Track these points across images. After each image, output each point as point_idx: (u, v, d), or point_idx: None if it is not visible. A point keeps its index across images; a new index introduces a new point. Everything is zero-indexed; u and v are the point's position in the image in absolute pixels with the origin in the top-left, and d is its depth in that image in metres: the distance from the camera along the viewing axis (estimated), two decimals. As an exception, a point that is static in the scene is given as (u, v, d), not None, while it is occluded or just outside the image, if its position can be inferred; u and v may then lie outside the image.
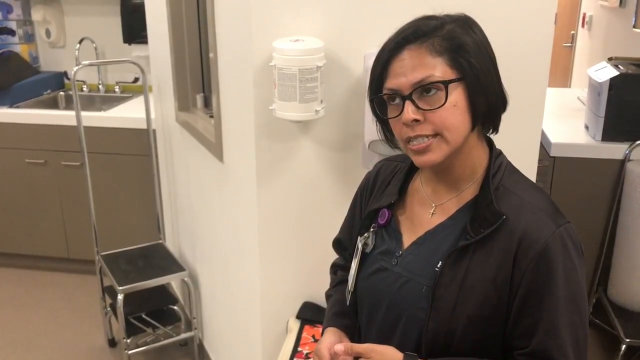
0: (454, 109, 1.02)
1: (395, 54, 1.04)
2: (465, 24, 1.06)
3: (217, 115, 2.10)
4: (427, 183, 1.17)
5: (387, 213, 1.19)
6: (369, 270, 1.19)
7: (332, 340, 1.21)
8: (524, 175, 1.14)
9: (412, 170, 1.22)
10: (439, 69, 1.02)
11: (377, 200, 1.24)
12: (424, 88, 1.01)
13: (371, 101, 1.11)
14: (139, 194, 3.29)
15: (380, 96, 1.08)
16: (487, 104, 1.06)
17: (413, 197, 1.19)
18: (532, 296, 1.02)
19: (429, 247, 1.11)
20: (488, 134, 1.14)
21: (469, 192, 1.11)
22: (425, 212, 1.15)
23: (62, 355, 2.89)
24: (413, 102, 1.02)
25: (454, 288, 1.05)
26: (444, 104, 1.01)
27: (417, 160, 1.07)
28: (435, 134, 1.03)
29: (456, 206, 1.12)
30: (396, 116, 1.05)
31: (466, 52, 1.03)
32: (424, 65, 1.02)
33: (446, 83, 1.01)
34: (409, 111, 1.02)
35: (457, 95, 1.03)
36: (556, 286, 1.01)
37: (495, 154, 1.12)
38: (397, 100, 1.05)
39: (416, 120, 1.03)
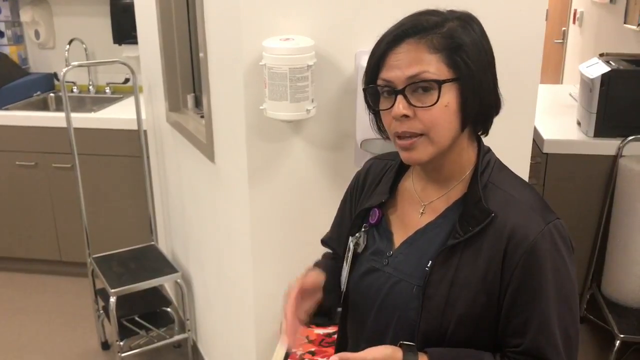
0: (445, 109, 1.02)
1: (393, 47, 1.03)
2: (467, 22, 1.05)
3: (207, 115, 2.08)
4: (417, 182, 1.17)
5: (377, 212, 1.19)
6: (360, 271, 1.18)
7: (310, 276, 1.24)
8: (512, 172, 1.14)
9: (402, 168, 1.22)
10: (434, 66, 1.01)
11: (367, 199, 1.23)
12: (418, 85, 1.01)
13: (364, 90, 1.10)
14: (131, 195, 3.27)
15: (374, 87, 1.07)
16: (480, 105, 1.05)
17: (403, 196, 1.19)
18: (522, 294, 1.01)
19: (419, 247, 1.11)
20: (478, 135, 1.13)
21: (458, 190, 1.11)
22: (415, 211, 1.15)
23: (55, 359, 2.87)
24: (405, 97, 1.02)
25: (444, 287, 1.04)
26: (435, 103, 1.01)
27: (404, 156, 1.07)
28: (422, 134, 1.03)
29: (445, 204, 1.11)
30: (387, 109, 1.05)
31: (464, 52, 1.02)
32: (420, 61, 1.01)
33: (440, 83, 1.00)
34: (400, 106, 1.02)
35: (449, 96, 1.02)
36: (546, 283, 1.01)
37: (483, 151, 1.11)
38: (390, 94, 1.04)
39: (406, 116, 1.02)
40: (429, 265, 1.07)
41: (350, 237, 1.21)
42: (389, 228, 1.17)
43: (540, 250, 1.00)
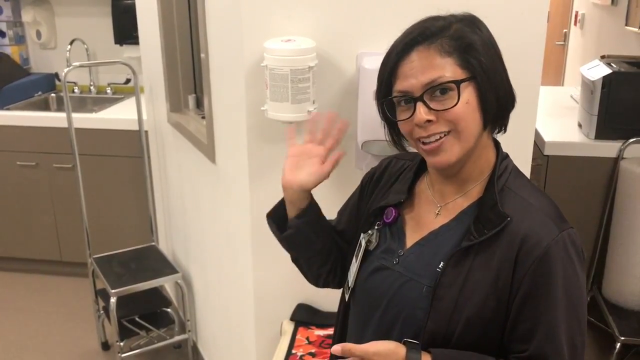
0: (466, 106, 1.02)
1: (404, 56, 1.04)
2: (472, 22, 1.06)
3: (209, 116, 2.08)
4: (433, 183, 1.16)
5: (393, 212, 1.18)
6: (370, 269, 1.18)
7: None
8: (529, 179, 1.14)
9: (420, 169, 1.21)
10: (449, 69, 1.01)
11: (383, 198, 1.23)
12: (436, 89, 1.01)
13: (381, 104, 1.10)
14: (132, 196, 3.27)
15: (391, 99, 1.07)
16: (498, 102, 1.05)
17: (419, 197, 1.19)
18: (531, 300, 1.01)
19: (432, 248, 1.11)
20: (495, 134, 1.13)
21: (474, 193, 1.11)
22: (430, 213, 1.15)
23: (55, 359, 2.87)
24: (425, 103, 1.02)
25: (455, 289, 1.04)
26: (456, 104, 1.01)
27: (431, 161, 1.07)
28: (449, 130, 1.03)
29: (461, 207, 1.11)
30: (407, 118, 1.05)
31: (475, 50, 1.02)
32: (434, 66, 1.01)
33: (458, 82, 1.01)
34: (422, 112, 1.02)
35: (468, 94, 1.02)
36: (555, 291, 1.00)
37: (502, 157, 1.12)
38: (408, 102, 1.04)
39: (429, 121, 1.02)
40: (440, 266, 1.06)
41: (362, 234, 1.21)
42: (402, 228, 1.17)
43: (552, 258, 1.00)
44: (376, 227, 1.20)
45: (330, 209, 1.40)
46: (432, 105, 1.02)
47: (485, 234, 1.03)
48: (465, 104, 1.02)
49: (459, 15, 1.07)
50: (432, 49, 1.02)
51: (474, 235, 1.04)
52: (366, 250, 1.20)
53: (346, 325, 1.29)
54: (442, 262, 1.07)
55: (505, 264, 1.02)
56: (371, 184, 1.29)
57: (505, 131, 1.13)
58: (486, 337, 1.04)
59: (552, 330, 1.00)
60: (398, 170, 1.25)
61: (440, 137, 1.03)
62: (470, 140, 1.04)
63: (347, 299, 1.25)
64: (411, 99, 1.03)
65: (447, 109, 1.01)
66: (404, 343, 1.05)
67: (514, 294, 1.02)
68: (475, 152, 1.08)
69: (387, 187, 1.24)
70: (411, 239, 1.15)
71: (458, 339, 1.04)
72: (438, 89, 1.01)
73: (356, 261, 1.21)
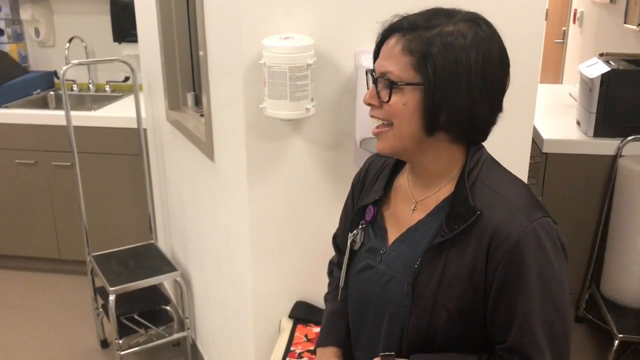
0: (402, 107, 1.04)
1: (386, 37, 1.08)
2: (470, 26, 1.03)
3: (207, 114, 2.08)
4: (410, 179, 1.18)
5: (372, 209, 1.20)
6: (357, 268, 1.20)
7: None
8: (503, 169, 1.13)
9: (398, 165, 1.22)
10: (402, 68, 1.03)
11: (365, 197, 1.24)
12: (383, 80, 1.06)
13: (366, 73, 1.15)
14: (130, 193, 3.27)
15: (369, 71, 1.13)
16: (449, 116, 1.03)
17: (397, 193, 1.20)
18: (505, 292, 1.02)
19: (410, 245, 1.12)
20: (474, 142, 1.12)
21: (447, 188, 1.11)
22: (407, 208, 1.16)
23: (54, 357, 2.87)
24: (376, 87, 1.07)
25: (432, 285, 1.05)
26: (387, 101, 1.05)
27: (375, 145, 1.13)
28: (389, 123, 1.07)
29: (435, 202, 1.12)
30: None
31: (432, 61, 1.00)
32: (394, 59, 1.04)
33: (392, 84, 1.03)
34: (368, 94, 1.09)
35: (409, 97, 1.04)
36: (528, 282, 1.01)
37: (473, 150, 1.11)
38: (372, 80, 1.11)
39: (372, 104, 1.08)
40: (417, 263, 1.07)
41: (349, 234, 1.22)
42: (383, 225, 1.18)
43: (523, 248, 1.00)
44: (360, 227, 1.21)
45: (330, 208, 1.41)
46: (381, 92, 1.06)
47: (455, 229, 1.04)
48: (402, 105, 1.04)
49: (470, 14, 1.05)
50: (401, 42, 1.04)
51: (445, 232, 1.05)
52: (352, 250, 1.21)
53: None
54: (419, 259, 1.07)
55: (478, 258, 1.03)
56: (359, 185, 1.30)
57: (478, 142, 1.13)
58: (469, 329, 1.05)
59: (528, 320, 1.01)
60: (380, 168, 1.27)
61: (379, 125, 1.09)
62: (405, 140, 1.06)
63: (339, 298, 1.26)
64: (373, 79, 1.09)
65: (384, 101, 1.06)
66: (381, 357, 1.09)
67: (489, 287, 1.03)
68: (430, 152, 1.09)
69: (371, 186, 1.25)
70: (392, 236, 1.16)
71: (442, 333, 1.05)
72: (384, 81, 1.05)
73: (345, 261, 1.23)
